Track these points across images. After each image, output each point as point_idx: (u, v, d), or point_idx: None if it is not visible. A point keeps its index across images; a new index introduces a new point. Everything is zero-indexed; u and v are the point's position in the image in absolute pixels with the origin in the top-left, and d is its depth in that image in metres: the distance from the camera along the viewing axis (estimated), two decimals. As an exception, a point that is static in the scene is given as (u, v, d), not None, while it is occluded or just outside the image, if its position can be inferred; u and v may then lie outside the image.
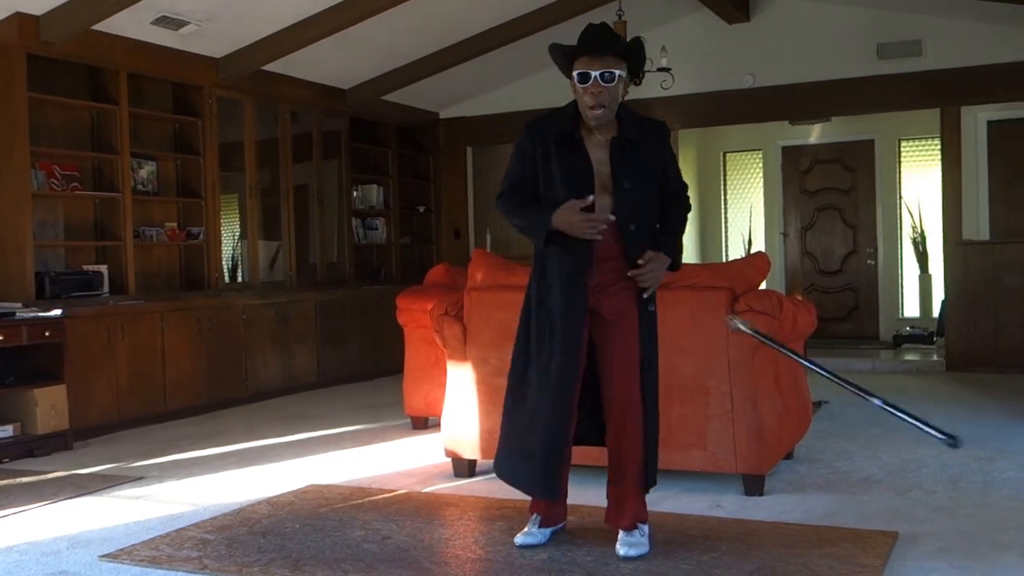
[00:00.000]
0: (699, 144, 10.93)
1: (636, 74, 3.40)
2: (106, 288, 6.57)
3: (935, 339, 9.29)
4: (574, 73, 3.29)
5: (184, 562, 3.41)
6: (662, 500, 4.01)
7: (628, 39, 7.55)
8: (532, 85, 9.45)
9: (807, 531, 3.60)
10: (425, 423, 6.02)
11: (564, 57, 3.35)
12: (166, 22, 6.58)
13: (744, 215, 11.06)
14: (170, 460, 5.30)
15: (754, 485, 4.16)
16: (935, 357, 8.69)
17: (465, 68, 8.76)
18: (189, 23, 6.67)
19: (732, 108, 8.98)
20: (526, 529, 3.54)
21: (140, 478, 4.84)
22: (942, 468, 4.61)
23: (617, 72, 3.25)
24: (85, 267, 6.59)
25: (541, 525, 3.53)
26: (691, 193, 3.61)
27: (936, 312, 9.59)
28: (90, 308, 6.10)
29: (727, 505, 4.02)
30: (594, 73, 3.23)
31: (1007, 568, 3.15)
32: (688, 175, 10.48)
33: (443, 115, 10.12)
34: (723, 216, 11.23)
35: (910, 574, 3.11)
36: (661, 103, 8.63)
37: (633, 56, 3.34)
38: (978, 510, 3.87)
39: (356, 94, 8.84)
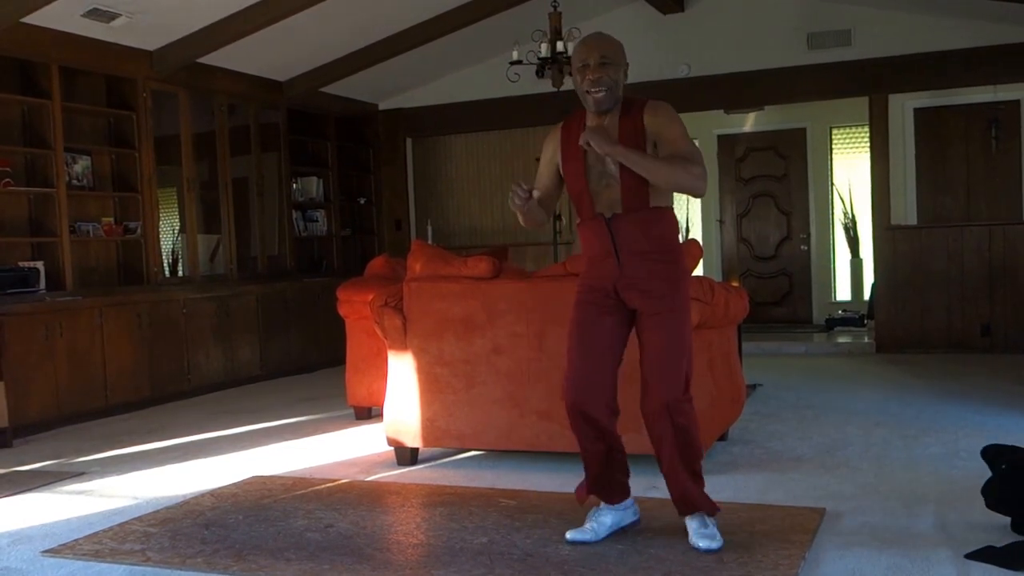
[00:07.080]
0: (637, 133, 11.02)
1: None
2: (42, 284, 6.49)
3: (866, 322, 9.56)
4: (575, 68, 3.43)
5: (127, 555, 3.42)
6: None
7: (563, 30, 7.58)
8: (470, 76, 9.52)
9: (739, 509, 3.72)
10: (368, 413, 6.07)
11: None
12: (97, 14, 6.52)
13: (682, 203, 11.22)
14: (112, 455, 5.28)
15: (689, 466, 4.28)
16: (866, 339, 8.94)
17: (403, 60, 8.77)
18: (120, 15, 6.60)
19: (668, 97, 8.81)
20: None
21: (81, 474, 4.82)
22: (868, 446, 4.79)
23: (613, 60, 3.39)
24: (20, 263, 6.50)
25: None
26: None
27: (867, 295, 9.88)
28: (26, 304, 6.04)
29: (662, 486, 4.11)
30: (590, 61, 3.38)
31: (921, 538, 3.31)
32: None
33: (382, 107, 10.12)
34: (661, 204, 11.35)
35: (834, 548, 3.25)
36: (598, 93, 8.72)
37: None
38: (901, 485, 4.04)
39: (293, 86, 8.81)
